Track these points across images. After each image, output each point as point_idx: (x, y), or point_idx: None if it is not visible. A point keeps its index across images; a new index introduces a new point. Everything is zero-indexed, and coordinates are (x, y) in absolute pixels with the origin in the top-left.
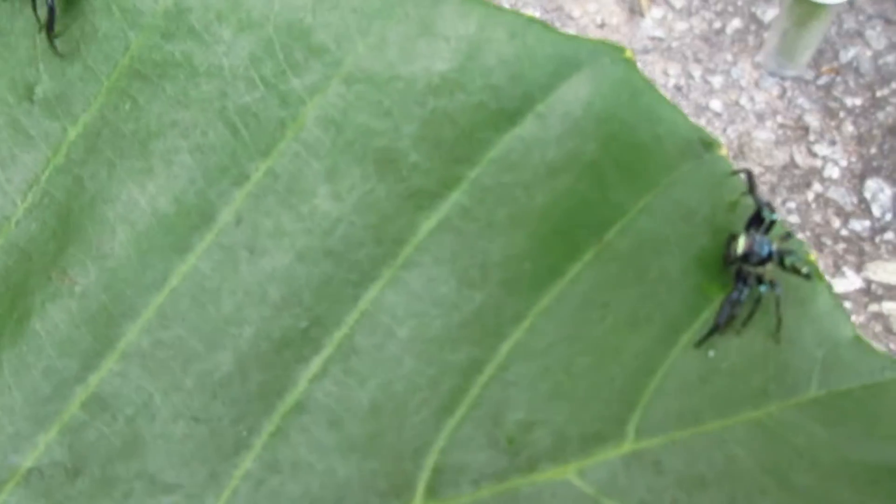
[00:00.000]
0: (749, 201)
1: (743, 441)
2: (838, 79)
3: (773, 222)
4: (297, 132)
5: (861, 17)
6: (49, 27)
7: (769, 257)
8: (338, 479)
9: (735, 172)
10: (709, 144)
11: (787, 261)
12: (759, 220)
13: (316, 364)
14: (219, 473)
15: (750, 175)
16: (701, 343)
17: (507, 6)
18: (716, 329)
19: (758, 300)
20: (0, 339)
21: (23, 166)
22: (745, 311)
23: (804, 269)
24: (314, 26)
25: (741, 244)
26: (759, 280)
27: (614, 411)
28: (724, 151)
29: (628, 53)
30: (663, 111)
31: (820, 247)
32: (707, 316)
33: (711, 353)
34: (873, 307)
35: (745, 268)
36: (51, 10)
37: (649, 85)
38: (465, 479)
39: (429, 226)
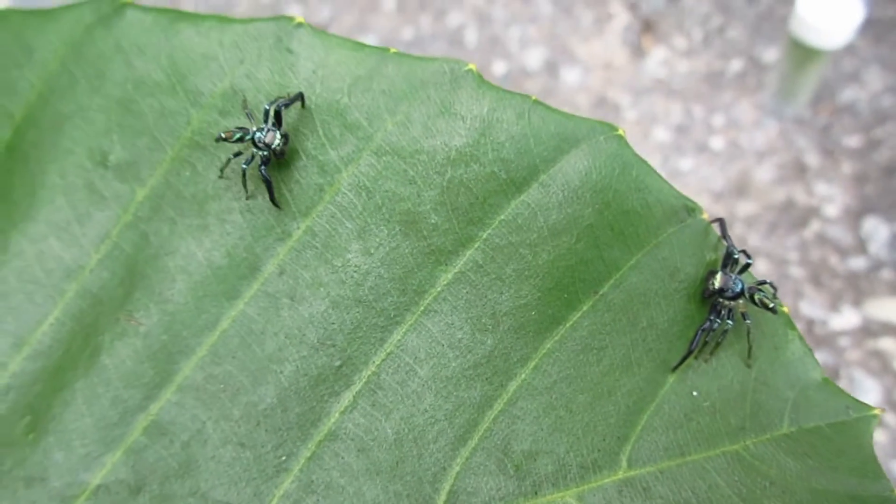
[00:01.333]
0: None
1: (722, 471)
2: (836, 119)
3: (747, 265)
4: (333, 196)
5: (858, 60)
6: (271, 197)
7: (741, 293)
8: (365, 499)
9: (711, 222)
10: (691, 210)
11: (757, 297)
12: (733, 261)
13: (347, 398)
14: (262, 492)
15: (722, 223)
16: (676, 367)
17: (515, 50)
18: (688, 354)
19: (725, 332)
20: (75, 371)
21: (97, 223)
22: (714, 341)
23: (770, 305)
24: (349, 106)
25: (718, 279)
26: (731, 314)
27: (609, 443)
28: (705, 216)
29: (620, 131)
30: (651, 181)
31: (818, 284)
32: (692, 360)
33: (695, 394)
34: (870, 344)
35: (720, 301)
36: (268, 183)
37: (639, 158)
38: (477, 501)
39: (447, 278)
